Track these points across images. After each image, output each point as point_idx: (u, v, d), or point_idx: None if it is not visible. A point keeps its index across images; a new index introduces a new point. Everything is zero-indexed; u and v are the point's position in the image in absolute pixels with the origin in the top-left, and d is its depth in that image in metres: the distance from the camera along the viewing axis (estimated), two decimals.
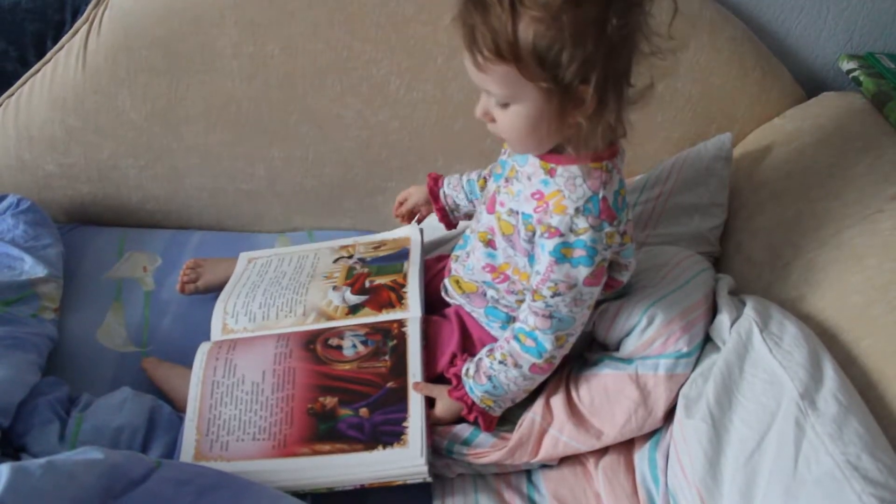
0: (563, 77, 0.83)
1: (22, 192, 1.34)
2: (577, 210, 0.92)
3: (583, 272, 0.94)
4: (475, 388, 1.04)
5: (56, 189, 1.43)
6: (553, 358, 1.02)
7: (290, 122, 1.39)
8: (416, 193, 1.25)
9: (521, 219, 0.98)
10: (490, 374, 1.03)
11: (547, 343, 0.99)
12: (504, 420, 1.08)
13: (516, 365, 1.01)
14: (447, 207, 1.23)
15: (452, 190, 1.22)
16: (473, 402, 1.05)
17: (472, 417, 1.06)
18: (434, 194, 1.23)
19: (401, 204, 1.27)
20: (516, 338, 1.01)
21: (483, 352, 1.06)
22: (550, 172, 0.95)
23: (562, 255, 0.93)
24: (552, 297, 0.96)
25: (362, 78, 1.35)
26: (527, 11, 0.81)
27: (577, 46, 0.81)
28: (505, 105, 0.89)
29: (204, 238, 1.46)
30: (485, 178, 1.18)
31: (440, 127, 1.40)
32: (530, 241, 0.98)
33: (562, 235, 0.93)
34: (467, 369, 1.06)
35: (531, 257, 1.00)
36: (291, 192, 1.47)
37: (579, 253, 0.93)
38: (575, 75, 0.83)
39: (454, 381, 1.06)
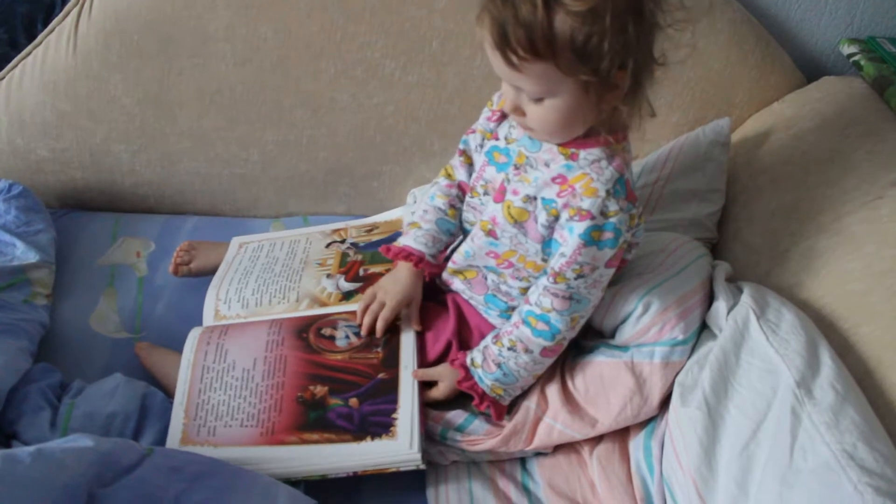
0: (602, 67, 0.82)
1: (14, 178, 1.32)
2: (608, 193, 0.93)
3: (607, 254, 0.95)
4: (485, 377, 1.03)
5: (48, 174, 1.42)
6: (564, 340, 1.01)
7: (284, 106, 1.38)
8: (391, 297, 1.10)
9: (540, 204, 0.98)
10: (499, 361, 1.02)
11: (561, 324, 0.99)
12: None
13: (527, 350, 1.01)
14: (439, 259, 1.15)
15: (435, 247, 1.13)
16: (484, 392, 1.04)
17: (483, 407, 1.05)
18: (432, 268, 1.14)
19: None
20: (526, 322, 1.01)
21: (488, 339, 1.06)
22: (572, 157, 0.95)
23: (591, 237, 0.94)
24: (576, 279, 0.96)
25: (356, 61, 1.34)
26: (562, 5, 0.79)
27: (616, 35, 0.80)
28: (539, 100, 0.88)
29: (198, 223, 1.45)
30: (451, 204, 1.13)
31: (435, 111, 1.39)
32: (550, 226, 0.97)
33: (593, 218, 0.93)
34: (472, 359, 1.05)
35: (547, 242, 0.99)
36: (286, 176, 1.46)
37: (608, 235, 0.94)
38: (613, 63, 0.82)
39: (462, 373, 1.05)
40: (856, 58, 1.38)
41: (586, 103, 0.87)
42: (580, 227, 0.93)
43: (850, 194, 1.12)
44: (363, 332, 1.10)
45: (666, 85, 1.38)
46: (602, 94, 0.86)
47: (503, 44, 0.83)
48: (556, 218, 0.96)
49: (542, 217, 0.97)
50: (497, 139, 1.06)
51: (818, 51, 1.47)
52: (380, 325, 1.09)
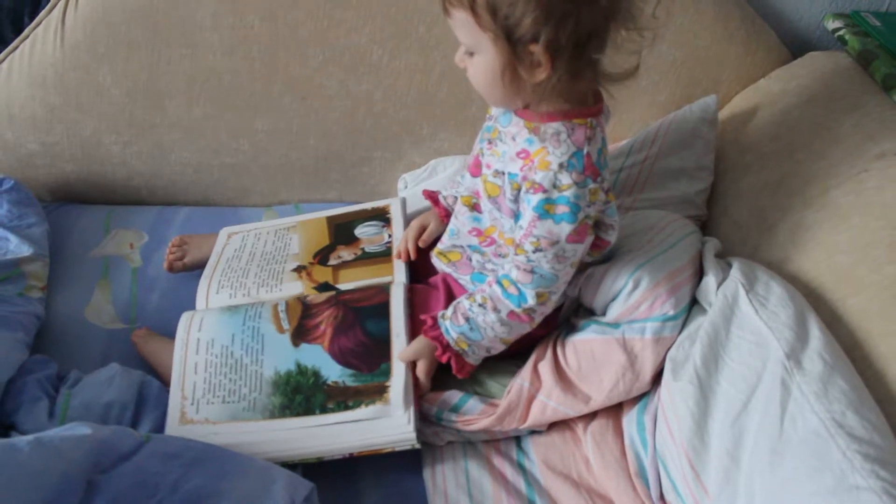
0: (515, 32, 0.84)
1: (5, 172, 1.33)
2: (560, 166, 0.92)
3: (565, 229, 0.95)
4: (451, 328, 1.04)
5: (40, 168, 1.42)
6: (532, 311, 1.02)
7: (273, 95, 1.38)
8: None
9: (507, 179, 0.98)
10: (468, 315, 1.03)
11: (528, 297, 1.00)
12: (493, 388, 1.09)
13: (495, 309, 1.02)
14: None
15: (453, 189, 1.20)
16: (448, 344, 1.05)
17: (444, 359, 1.05)
18: (443, 208, 1.21)
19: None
20: (499, 283, 1.02)
21: (463, 296, 1.07)
22: (535, 130, 0.95)
23: (545, 210, 0.94)
24: (534, 252, 0.96)
25: (344, 47, 1.34)
26: None
27: (534, 5, 0.82)
28: (470, 54, 0.91)
29: (190, 214, 1.45)
30: None
31: (424, 95, 1.39)
32: (516, 199, 0.98)
33: (545, 191, 0.93)
34: (443, 313, 1.06)
35: (517, 217, 1.00)
36: (277, 165, 1.46)
37: (562, 209, 0.94)
38: (527, 31, 0.83)
39: (429, 322, 1.06)
40: (840, 32, 1.38)
41: (505, 68, 0.88)
42: (534, 199, 0.94)
43: (837, 168, 1.12)
44: (401, 256, 1.20)
45: (652, 64, 1.38)
46: (517, 63, 0.87)
47: None
48: (520, 191, 0.97)
49: (508, 192, 0.98)
50: (490, 117, 1.07)
51: (803, 26, 1.47)
52: (410, 246, 1.20)
